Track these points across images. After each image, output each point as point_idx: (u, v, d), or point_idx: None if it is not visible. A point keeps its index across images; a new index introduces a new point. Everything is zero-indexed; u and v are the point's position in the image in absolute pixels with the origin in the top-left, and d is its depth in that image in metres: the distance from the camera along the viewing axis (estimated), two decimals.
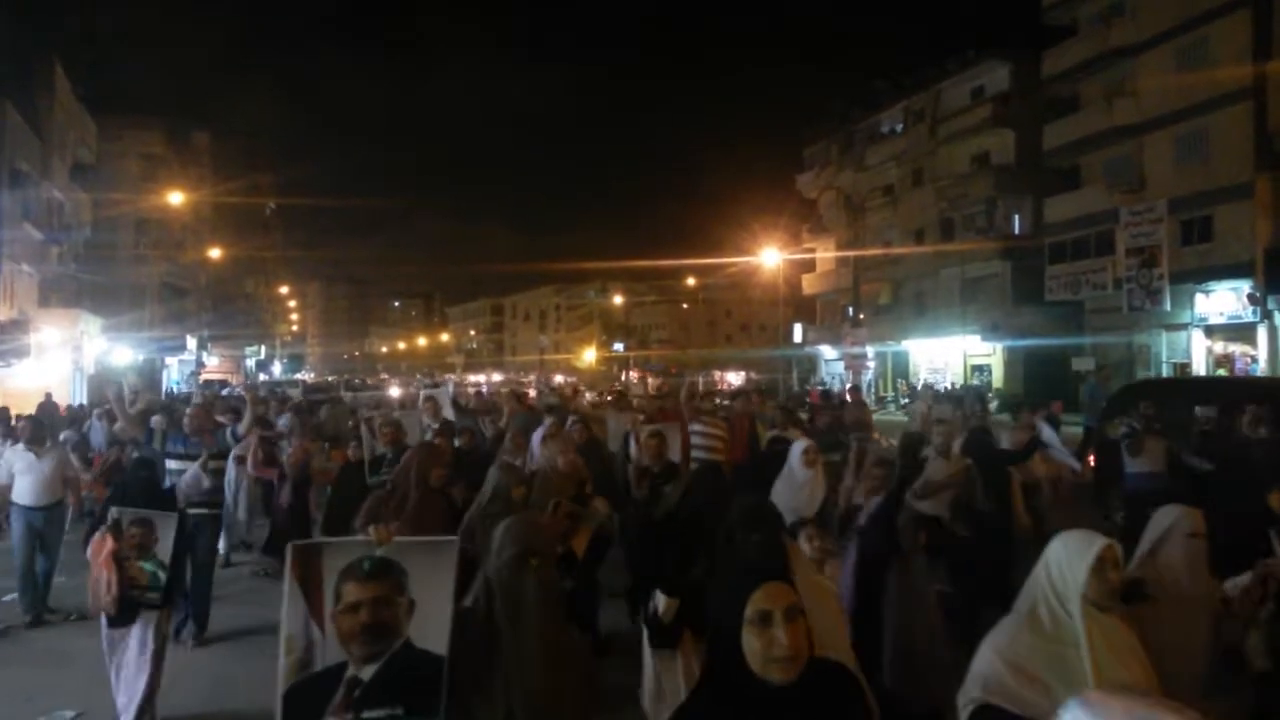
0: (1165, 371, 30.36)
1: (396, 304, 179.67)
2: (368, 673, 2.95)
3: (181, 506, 5.98)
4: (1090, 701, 2.03)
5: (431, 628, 2.99)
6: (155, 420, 9.64)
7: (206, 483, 6.67)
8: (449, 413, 11.50)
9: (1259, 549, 4.17)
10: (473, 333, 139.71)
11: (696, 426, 9.01)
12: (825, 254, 52.86)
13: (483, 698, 2.93)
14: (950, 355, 43.14)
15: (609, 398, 25.81)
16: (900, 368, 46.62)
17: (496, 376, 69.46)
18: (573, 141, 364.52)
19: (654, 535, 4.96)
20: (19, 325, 29.08)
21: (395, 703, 2.98)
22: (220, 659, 7.41)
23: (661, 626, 3.57)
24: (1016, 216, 40.86)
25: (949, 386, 39.92)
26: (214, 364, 57.54)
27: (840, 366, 50.01)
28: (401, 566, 3.00)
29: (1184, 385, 17.33)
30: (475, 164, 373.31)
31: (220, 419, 9.77)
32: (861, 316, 48.20)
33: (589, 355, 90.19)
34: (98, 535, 5.32)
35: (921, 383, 42.13)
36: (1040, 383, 34.95)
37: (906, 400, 36.48)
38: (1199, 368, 29.62)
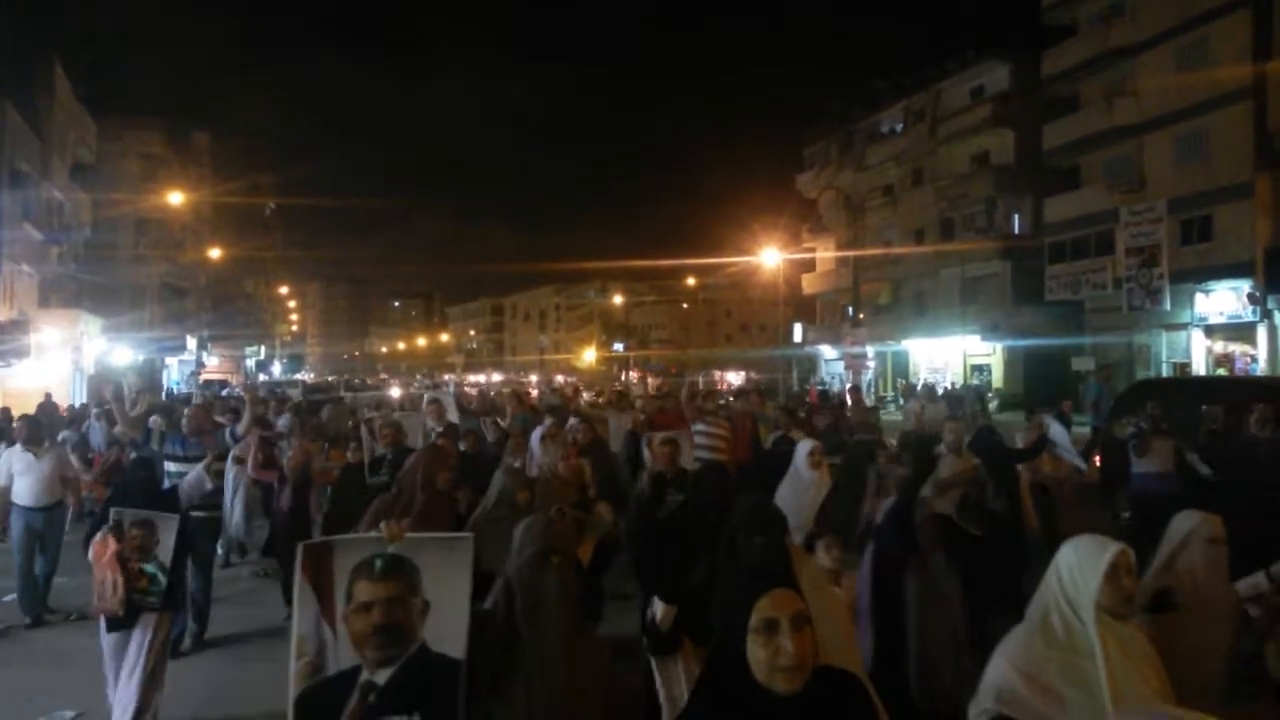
0: (1165, 371, 30.36)
1: (396, 304, 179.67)
2: (382, 677, 2.86)
3: (184, 508, 5.95)
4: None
5: (447, 630, 2.89)
6: (153, 420, 9.63)
7: (210, 484, 6.65)
8: (454, 415, 11.45)
9: (1271, 550, 4.11)
10: (473, 333, 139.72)
11: (700, 426, 8.94)
12: (825, 254, 52.86)
13: (503, 702, 2.87)
14: (950, 355, 43.13)
15: (601, 399, 25.85)
16: (900, 368, 46.61)
17: (496, 377, 69.52)
18: (573, 141, 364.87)
19: (657, 537, 4.89)
20: (19, 325, 29.08)
21: (411, 709, 2.88)
22: (220, 662, 7.40)
23: (660, 634, 3.51)
24: (1016, 216, 40.86)
25: (949, 386, 39.93)
26: (214, 364, 57.52)
27: (840, 366, 50.02)
28: (414, 564, 2.90)
29: (1191, 385, 17.26)
30: (475, 164, 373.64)
31: (220, 420, 9.77)
32: (861, 316, 48.19)
33: (589, 355, 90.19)
34: (99, 537, 5.28)
35: (921, 382, 42.12)
36: (1040, 382, 34.96)
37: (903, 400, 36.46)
38: (1199, 367, 29.62)
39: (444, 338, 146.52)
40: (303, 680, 2.87)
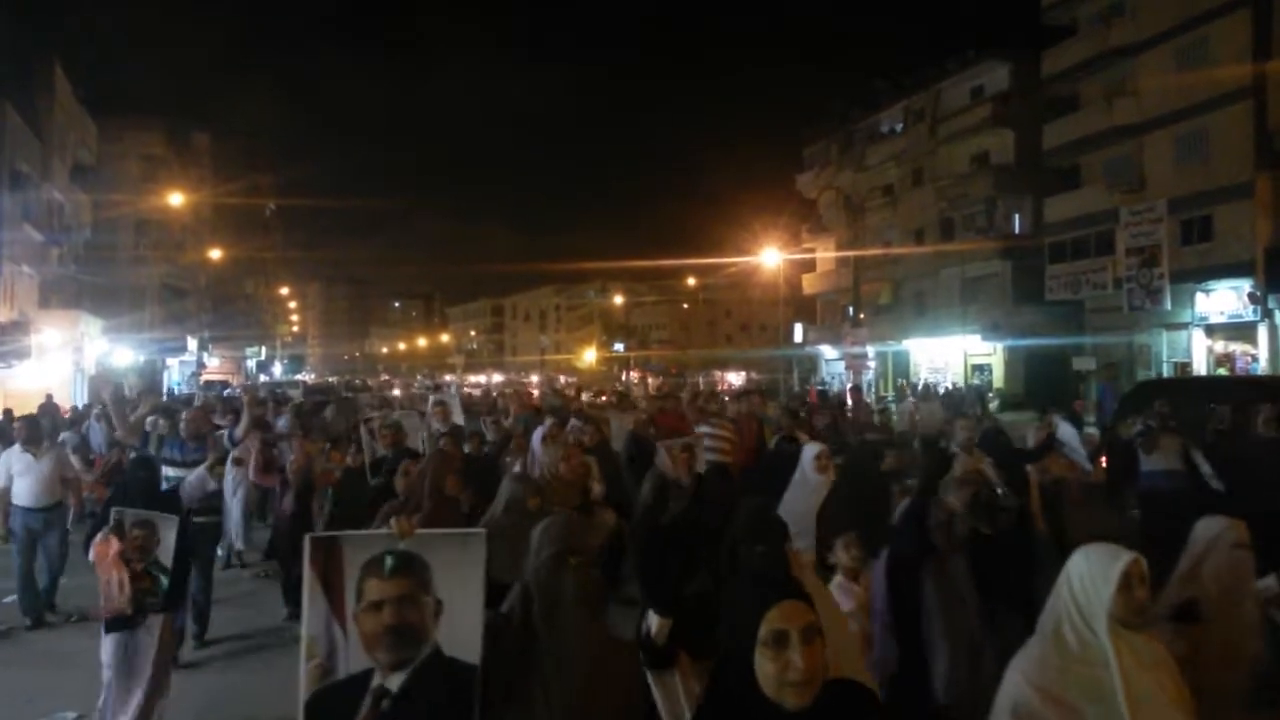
0: (1167, 371, 30.35)
1: (397, 304, 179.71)
2: (395, 682, 2.75)
3: (185, 508, 5.93)
4: None
5: (461, 633, 2.79)
6: (150, 422, 9.60)
7: (212, 484, 6.63)
8: (459, 417, 11.39)
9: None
10: (473, 333, 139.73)
11: (704, 428, 8.90)
12: (825, 254, 52.86)
13: (520, 707, 2.79)
14: (951, 355, 43.13)
15: (604, 398, 25.83)
16: (901, 368, 46.61)
17: (497, 377, 69.50)
18: (573, 141, 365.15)
19: (659, 544, 4.87)
20: (19, 327, 29.09)
21: (426, 717, 2.79)
22: (221, 666, 7.39)
23: (654, 648, 3.39)
24: (1016, 216, 40.86)
25: (949, 387, 39.94)
26: (214, 365, 57.55)
27: (841, 366, 50.02)
28: (425, 562, 2.81)
29: (1197, 384, 17.17)
30: (475, 164, 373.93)
31: (219, 422, 9.75)
32: (862, 316, 48.18)
33: (589, 355, 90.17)
34: (100, 537, 5.25)
35: (921, 383, 42.12)
36: (1041, 382, 34.97)
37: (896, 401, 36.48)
38: (1200, 367, 29.60)
39: (444, 338, 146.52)
40: (313, 683, 2.79)
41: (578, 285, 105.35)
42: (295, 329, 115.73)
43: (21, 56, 33.56)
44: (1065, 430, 8.91)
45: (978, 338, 40.08)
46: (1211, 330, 29.74)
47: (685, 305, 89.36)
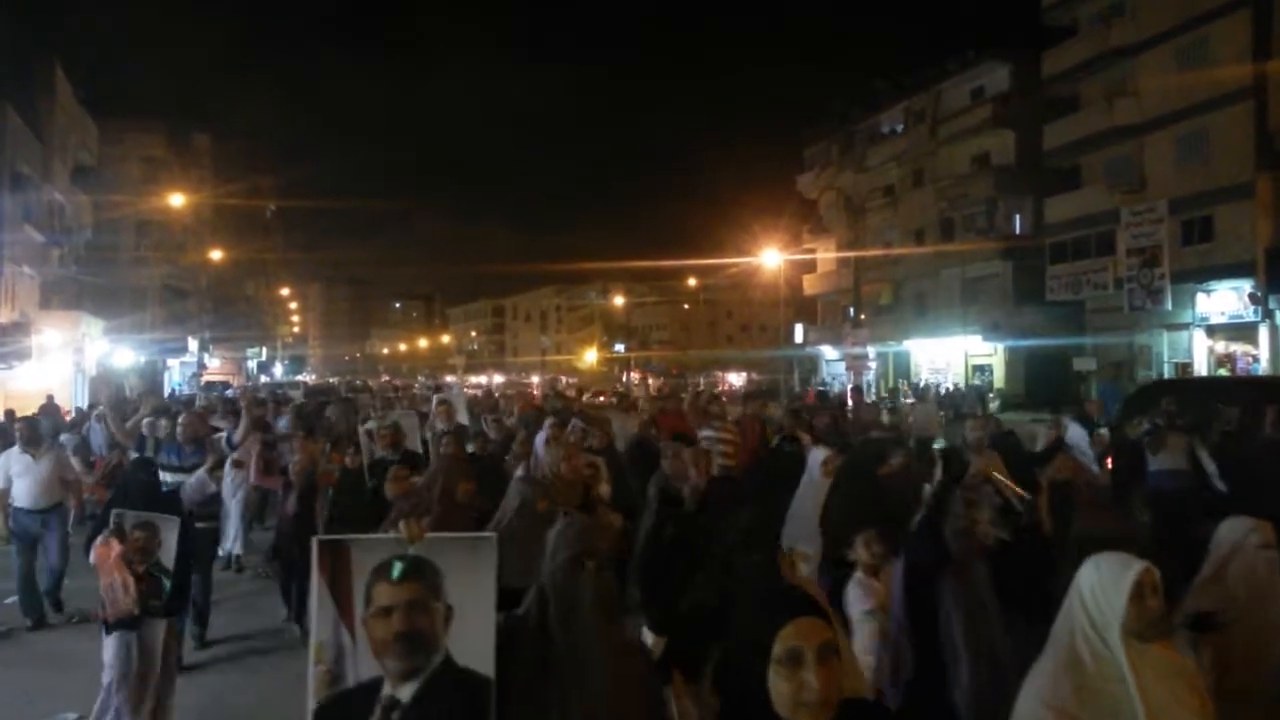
0: (1168, 372, 30.34)
1: (397, 305, 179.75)
2: (405, 692, 2.67)
3: (189, 512, 5.88)
4: None
5: (473, 642, 2.71)
6: (147, 425, 9.56)
7: (213, 487, 6.59)
8: (464, 417, 11.32)
9: None
10: (474, 334, 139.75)
11: (707, 432, 8.82)
12: (826, 254, 52.86)
13: (536, 715, 2.72)
14: (951, 355, 43.13)
15: (602, 399, 25.83)
16: (901, 368, 46.60)
17: (498, 378, 69.48)
18: (573, 141, 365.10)
19: (662, 558, 4.65)
20: (20, 327, 29.09)
21: None
22: (222, 667, 7.38)
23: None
24: (1017, 217, 40.87)
25: (949, 388, 39.94)
26: (215, 366, 57.59)
27: (841, 367, 50.03)
28: (435, 567, 2.73)
29: (1205, 385, 17.05)
30: (475, 164, 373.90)
31: (219, 425, 9.72)
32: (862, 317, 48.20)
33: (590, 356, 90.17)
34: (100, 540, 5.20)
35: (922, 383, 42.12)
36: (1042, 383, 34.98)
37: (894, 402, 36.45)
38: (1200, 368, 29.60)
39: (445, 339, 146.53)
40: (321, 689, 2.72)
41: (578, 286, 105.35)
42: (296, 330, 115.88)
43: (22, 57, 33.58)
44: (1074, 432, 8.83)
45: (978, 338, 40.08)
46: (1212, 331, 29.74)
47: (686, 306, 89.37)
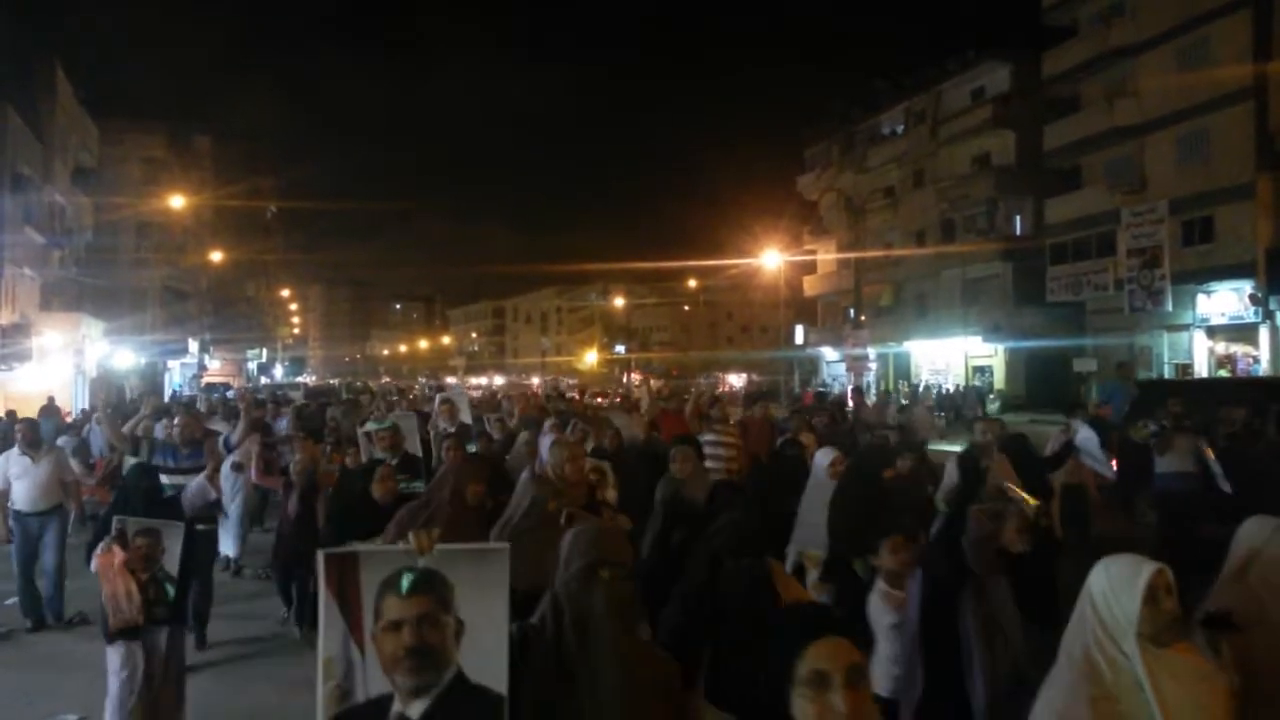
0: (1168, 373, 30.33)
1: (398, 306, 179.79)
2: (416, 709, 2.61)
3: (190, 517, 5.80)
4: None
5: (485, 657, 2.63)
6: (143, 426, 9.50)
7: (213, 494, 6.49)
8: (467, 416, 11.24)
9: None
10: (474, 335, 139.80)
11: (709, 437, 8.68)
12: (826, 255, 52.87)
13: None
14: (952, 356, 43.13)
15: (599, 400, 25.82)
16: (902, 369, 46.60)
17: (499, 379, 69.52)
18: (573, 141, 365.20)
19: (663, 569, 4.53)
20: (21, 329, 29.10)
21: None
22: (221, 669, 7.36)
23: None
24: (1017, 217, 40.87)
25: (949, 389, 39.94)
26: (216, 367, 57.60)
27: (842, 368, 50.02)
28: (446, 579, 2.65)
29: (1210, 386, 16.98)
30: (475, 164, 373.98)
31: (218, 427, 9.65)
32: (863, 318, 48.20)
33: (590, 357, 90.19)
34: (102, 548, 5.09)
35: (922, 384, 42.10)
36: (1042, 384, 34.97)
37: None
38: (1201, 369, 29.59)
39: (445, 340, 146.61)
40: (332, 706, 2.65)
41: (579, 287, 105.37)
42: (296, 331, 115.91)
43: (22, 58, 33.62)
44: (1085, 435, 8.71)
45: (979, 339, 40.08)
46: (1213, 331, 29.73)
47: (686, 307, 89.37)
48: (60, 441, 11.83)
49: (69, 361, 31.29)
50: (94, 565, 5.13)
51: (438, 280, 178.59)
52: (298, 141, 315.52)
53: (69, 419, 19.36)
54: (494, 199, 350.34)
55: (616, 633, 2.66)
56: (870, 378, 46.50)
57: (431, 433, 10.07)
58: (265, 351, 77.64)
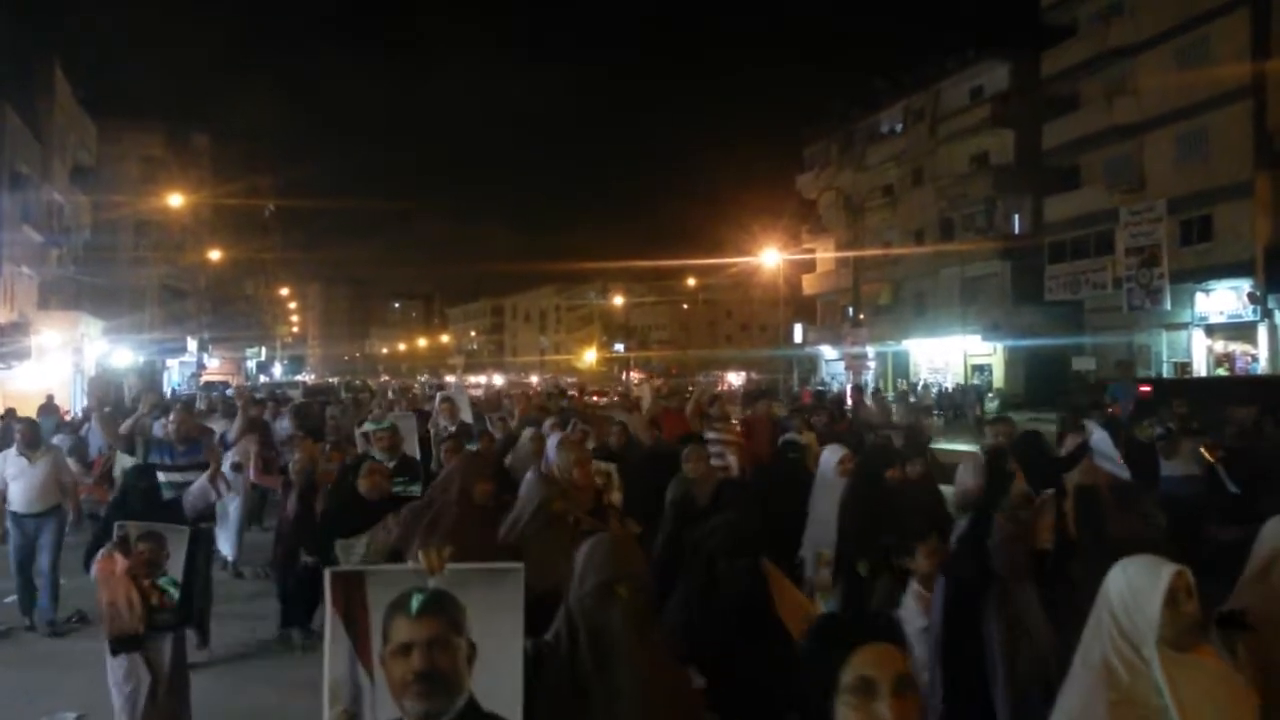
0: (1166, 371, 30.35)
1: (396, 305, 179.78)
2: None
3: (191, 519, 5.67)
4: None
5: (499, 681, 2.50)
6: (140, 424, 9.44)
7: (215, 495, 6.39)
8: (468, 415, 11.17)
9: None
10: (473, 334, 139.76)
11: (709, 435, 8.64)
12: (825, 254, 52.88)
13: None
14: (951, 355, 43.14)
15: (595, 398, 25.83)
16: (901, 368, 46.62)
17: (498, 378, 69.48)
18: (573, 141, 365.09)
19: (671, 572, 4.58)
20: (19, 328, 29.10)
21: None
22: (220, 670, 7.33)
23: None
24: (1016, 216, 40.87)
25: (949, 387, 39.95)
26: (214, 366, 57.57)
27: (840, 367, 50.03)
28: (457, 600, 2.53)
29: (1216, 385, 16.87)
30: (475, 164, 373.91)
31: (216, 426, 9.62)
32: (862, 316, 48.22)
33: (589, 356, 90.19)
34: (103, 553, 4.95)
35: (921, 383, 42.09)
36: (1041, 382, 34.98)
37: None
38: (1199, 368, 29.62)
39: (444, 339, 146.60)
40: None
41: (578, 286, 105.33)
42: (295, 330, 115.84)
43: (21, 57, 33.59)
44: (1099, 436, 8.60)
45: (977, 338, 40.10)
46: (1211, 330, 29.76)
47: (685, 306, 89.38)
48: (56, 440, 11.78)
49: (67, 360, 31.29)
50: (93, 572, 4.99)
51: (437, 279, 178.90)
52: (297, 141, 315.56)
53: (67, 417, 19.37)
54: (494, 198, 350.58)
55: (634, 649, 2.55)
56: (869, 376, 46.50)
57: (432, 431, 10.04)
58: (264, 350, 77.61)
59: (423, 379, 62.21)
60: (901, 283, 47.60)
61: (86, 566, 5.09)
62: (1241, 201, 27.97)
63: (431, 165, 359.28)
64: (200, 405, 17.53)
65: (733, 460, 8.66)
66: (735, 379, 59.63)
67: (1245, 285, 27.85)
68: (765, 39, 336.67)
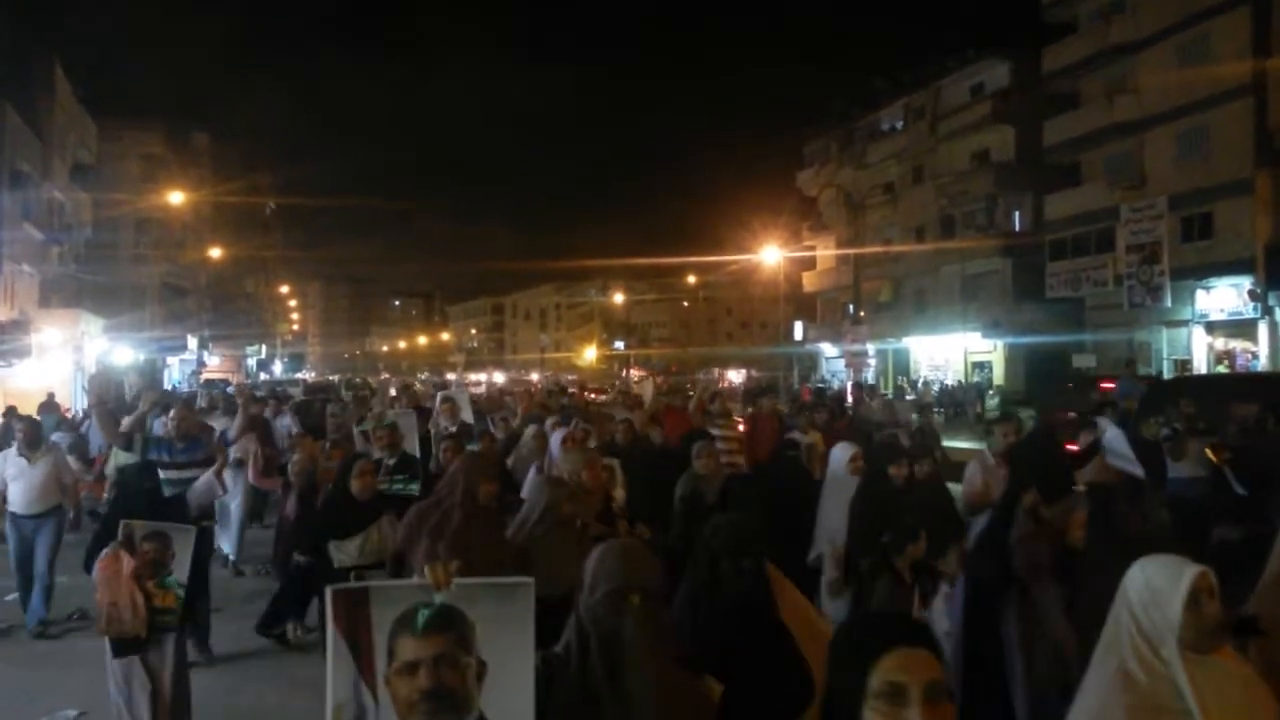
0: (1166, 368, 30.34)
1: (397, 303, 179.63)
2: None
3: (195, 516, 5.61)
4: None
5: (510, 700, 2.41)
6: (128, 422, 9.42)
7: (221, 491, 6.32)
8: (468, 415, 11.03)
9: None
10: (473, 331, 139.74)
11: (712, 431, 8.60)
12: (826, 251, 52.85)
13: None
14: (951, 352, 43.13)
15: (592, 395, 25.77)
16: (901, 365, 46.61)
17: (498, 375, 69.47)
18: (573, 141, 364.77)
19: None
20: (20, 325, 29.10)
21: None
22: (220, 670, 7.31)
23: None
24: (1017, 213, 40.84)
25: (950, 385, 39.92)
26: (215, 364, 57.55)
27: (841, 364, 50.01)
28: (465, 617, 2.43)
29: (1221, 382, 16.80)
30: (475, 163, 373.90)
31: (216, 424, 9.60)
32: (862, 314, 48.17)
33: (590, 354, 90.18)
34: (108, 552, 4.89)
35: (922, 381, 42.05)
36: (1041, 380, 34.97)
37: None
38: (1200, 365, 29.61)
39: (445, 337, 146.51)
40: None
41: (578, 283, 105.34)
42: (295, 328, 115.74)
43: (22, 56, 33.59)
44: (1113, 434, 8.52)
45: (978, 335, 40.07)
46: (1212, 327, 29.75)
47: (686, 303, 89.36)
48: (55, 437, 11.75)
49: (68, 358, 31.30)
50: (95, 572, 4.92)
51: (437, 277, 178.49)
52: (298, 139, 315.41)
53: (68, 415, 19.37)
54: (494, 197, 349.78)
55: (648, 660, 2.46)
56: (869, 374, 46.47)
57: (432, 431, 10.01)
58: (264, 348, 77.58)
59: (423, 377, 62.18)
60: (902, 280, 47.57)
61: (88, 567, 5.04)
62: (1242, 199, 27.95)
63: (432, 164, 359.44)
64: (201, 403, 17.52)
65: (734, 455, 8.66)
66: (735, 377, 59.63)
67: (1246, 282, 27.83)
68: (765, 39, 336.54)
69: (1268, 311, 27.25)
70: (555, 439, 7.53)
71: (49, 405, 19.28)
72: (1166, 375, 28.20)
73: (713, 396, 13.19)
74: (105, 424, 9.60)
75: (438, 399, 11.80)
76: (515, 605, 2.46)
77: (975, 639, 4.02)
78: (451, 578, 2.45)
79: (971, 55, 42.65)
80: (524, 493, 6.77)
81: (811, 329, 53.40)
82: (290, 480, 8.48)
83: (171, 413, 8.34)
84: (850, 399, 19.60)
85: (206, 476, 6.09)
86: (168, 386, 40.68)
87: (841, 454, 6.57)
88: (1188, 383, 15.32)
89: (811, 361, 53.39)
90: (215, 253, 53.95)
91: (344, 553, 5.50)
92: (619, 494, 6.47)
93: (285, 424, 13.38)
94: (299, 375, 73.00)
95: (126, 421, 9.87)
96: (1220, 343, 29.82)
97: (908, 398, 33.03)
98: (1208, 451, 8.83)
